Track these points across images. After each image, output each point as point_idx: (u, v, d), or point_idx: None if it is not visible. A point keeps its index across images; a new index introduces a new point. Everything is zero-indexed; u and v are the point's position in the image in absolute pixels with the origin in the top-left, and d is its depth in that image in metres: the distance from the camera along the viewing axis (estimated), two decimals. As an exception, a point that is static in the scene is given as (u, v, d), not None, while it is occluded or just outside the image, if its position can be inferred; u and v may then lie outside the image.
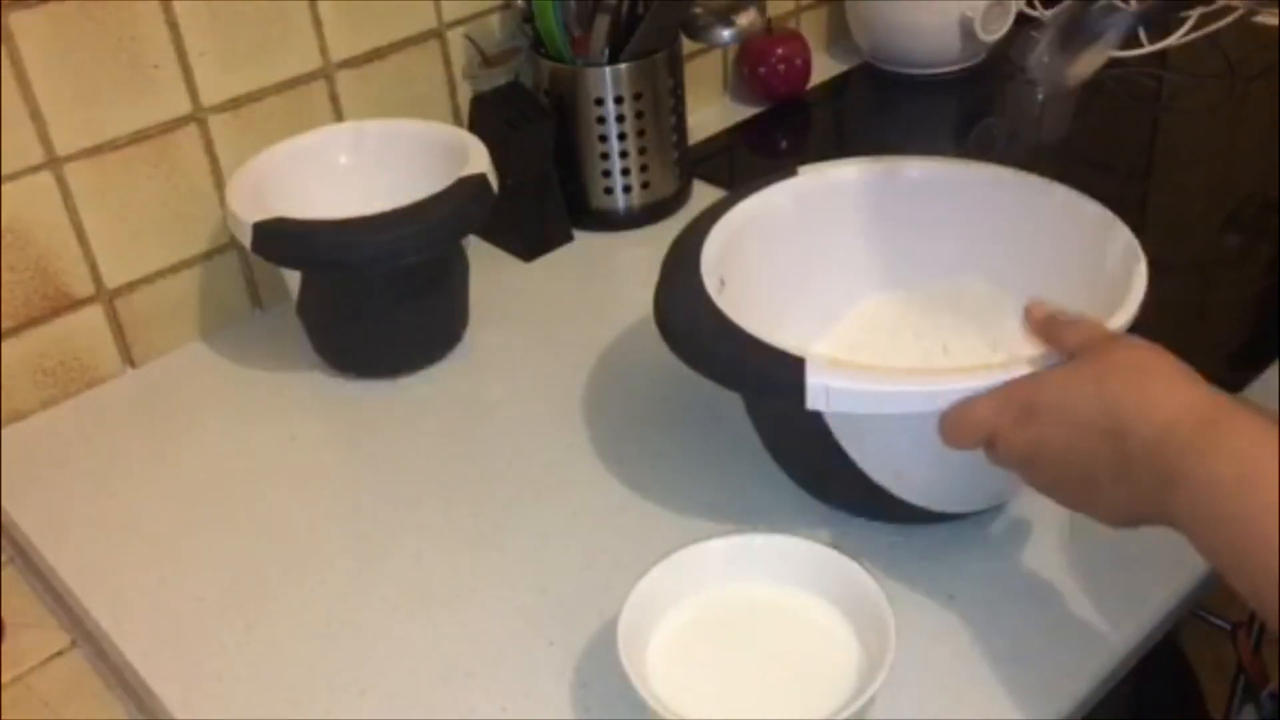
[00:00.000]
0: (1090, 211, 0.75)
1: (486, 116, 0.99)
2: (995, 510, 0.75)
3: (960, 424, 0.62)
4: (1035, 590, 0.70)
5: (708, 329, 0.68)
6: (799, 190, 0.81)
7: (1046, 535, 0.73)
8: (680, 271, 0.73)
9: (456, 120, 1.05)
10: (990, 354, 0.78)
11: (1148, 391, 0.56)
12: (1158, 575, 0.70)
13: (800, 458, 0.75)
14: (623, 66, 1.00)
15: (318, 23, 0.94)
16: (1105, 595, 0.69)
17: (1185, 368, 0.57)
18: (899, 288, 0.84)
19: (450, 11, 1.01)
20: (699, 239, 0.75)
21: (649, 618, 0.63)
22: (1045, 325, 0.64)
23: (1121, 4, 0.72)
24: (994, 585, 0.70)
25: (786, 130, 1.24)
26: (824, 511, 0.75)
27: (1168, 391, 0.56)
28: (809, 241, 0.82)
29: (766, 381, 0.66)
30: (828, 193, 0.82)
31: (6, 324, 0.86)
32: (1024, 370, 0.62)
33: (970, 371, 0.63)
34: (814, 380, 0.63)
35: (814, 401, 0.64)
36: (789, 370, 0.64)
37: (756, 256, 0.79)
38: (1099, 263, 0.73)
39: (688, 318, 0.70)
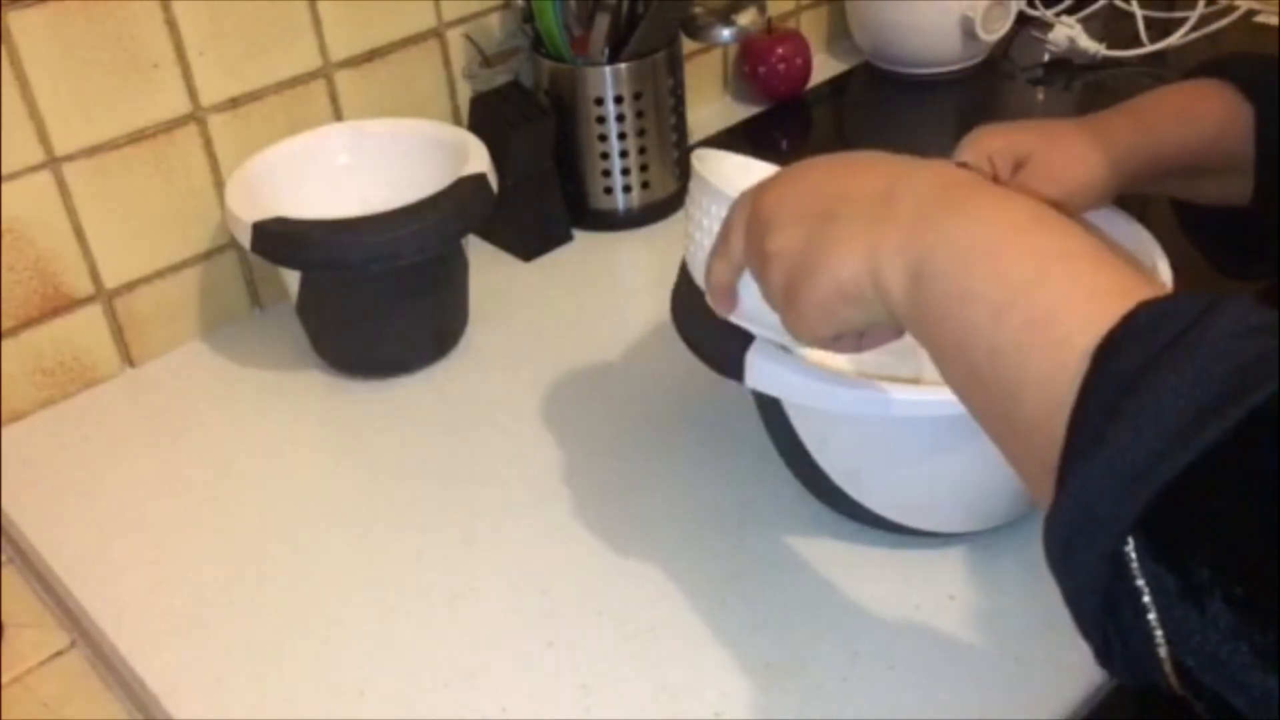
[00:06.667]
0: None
1: (486, 116, 0.99)
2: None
3: (713, 289, 0.60)
4: (1035, 590, 0.70)
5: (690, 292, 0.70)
6: None
7: (1047, 535, 0.73)
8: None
9: (456, 120, 1.05)
10: None
11: (914, 164, 0.51)
12: (1158, 575, 0.70)
13: (783, 455, 0.75)
14: (623, 66, 1.00)
15: (317, 22, 0.94)
16: (1105, 595, 0.69)
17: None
18: None
19: (450, 11, 1.01)
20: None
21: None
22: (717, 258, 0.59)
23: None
24: (994, 585, 0.70)
25: (786, 130, 1.24)
26: (824, 513, 0.75)
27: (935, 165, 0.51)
28: None
29: (714, 350, 0.68)
30: None
31: (6, 324, 0.86)
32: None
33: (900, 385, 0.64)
34: (753, 358, 0.65)
35: (750, 379, 0.66)
36: (736, 345, 0.65)
37: None
38: None
39: (689, 280, 0.71)
